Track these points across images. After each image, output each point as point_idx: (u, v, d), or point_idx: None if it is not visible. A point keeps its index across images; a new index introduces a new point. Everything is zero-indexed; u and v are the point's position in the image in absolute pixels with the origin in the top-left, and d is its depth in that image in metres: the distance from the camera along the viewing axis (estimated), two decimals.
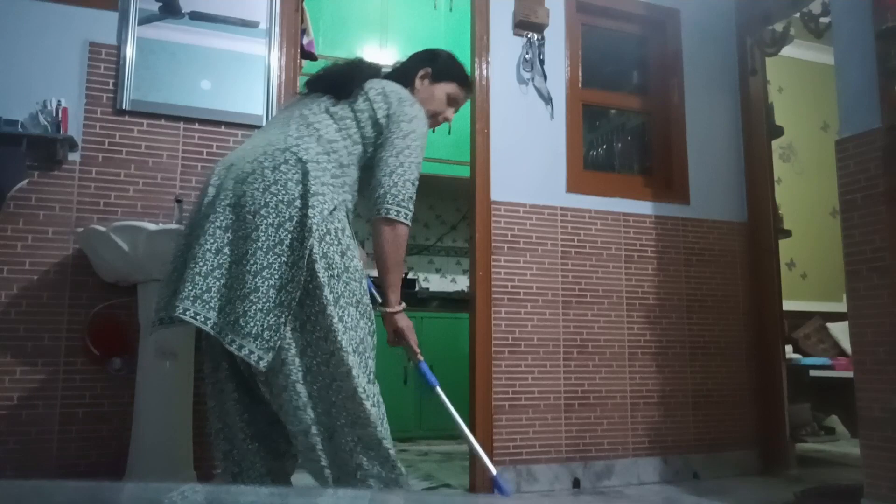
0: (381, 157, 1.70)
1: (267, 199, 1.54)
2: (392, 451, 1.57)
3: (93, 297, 2.38)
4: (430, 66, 1.96)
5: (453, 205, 5.17)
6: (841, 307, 3.45)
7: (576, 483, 2.87)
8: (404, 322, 1.79)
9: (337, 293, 1.54)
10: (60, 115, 2.38)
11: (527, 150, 3.04)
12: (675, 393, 3.14)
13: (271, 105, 2.66)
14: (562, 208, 3.05)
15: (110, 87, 2.51)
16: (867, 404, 2.34)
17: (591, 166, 3.39)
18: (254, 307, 1.48)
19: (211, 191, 1.62)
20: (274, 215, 1.53)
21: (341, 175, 1.65)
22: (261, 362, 1.48)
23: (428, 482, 2.96)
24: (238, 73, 2.66)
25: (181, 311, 1.49)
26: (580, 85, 3.25)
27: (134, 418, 2.19)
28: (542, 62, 3.09)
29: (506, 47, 3.08)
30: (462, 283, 5.09)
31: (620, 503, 2.65)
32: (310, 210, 1.52)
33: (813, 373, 4.22)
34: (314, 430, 1.55)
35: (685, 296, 3.24)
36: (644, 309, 3.14)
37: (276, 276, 1.50)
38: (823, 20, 3.26)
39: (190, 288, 1.50)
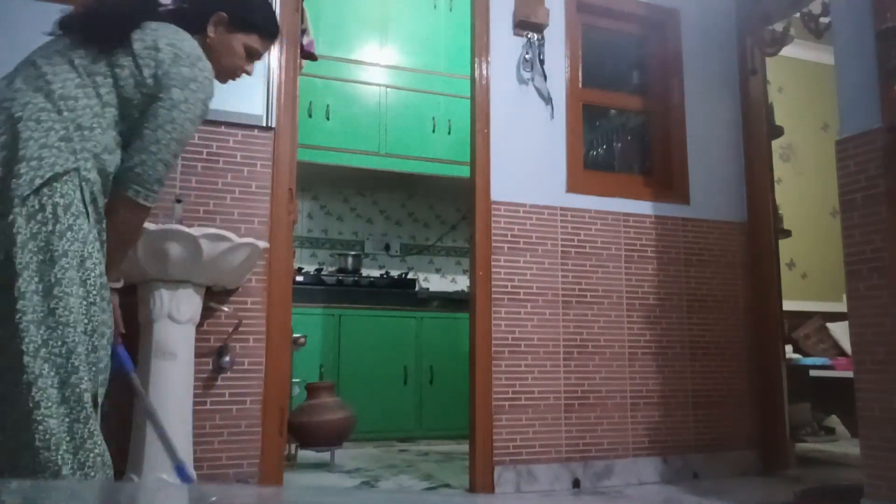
0: (142, 126, 1.45)
1: None
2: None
3: None
4: (228, 9, 1.63)
5: (453, 205, 5.17)
6: (841, 307, 3.45)
7: (576, 483, 2.87)
8: (115, 300, 1.67)
9: (47, 282, 1.27)
10: None
11: (527, 151, 3.04)
12: (675, 393, 3.14)
13: (271, 105, 2.66)
14: (562, 208, 3.05)
15: None
16: (867, 404, 2.35)
17: (591, 166, 3.39)
18: None
19: None
20: None
21: (79, 139, 1.35)
22: None
23: (428, 482, 2.96)
24: None
25: None
26: (580, 85, 3.25)
27: (134, 418, 2.18)
28: (542, 62, 3.09)
29: (506, 47, 3.08)
30: (462, 283, 5.09)
31: (620, 503, 2.66)
32: (13, 180, 1.26)
33: (813, 373, 4.22)
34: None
35: (685, 296, 3.24)
36: (644, 309, 3.14)
37: None
38: (823, 20, 3.27)
39: None
